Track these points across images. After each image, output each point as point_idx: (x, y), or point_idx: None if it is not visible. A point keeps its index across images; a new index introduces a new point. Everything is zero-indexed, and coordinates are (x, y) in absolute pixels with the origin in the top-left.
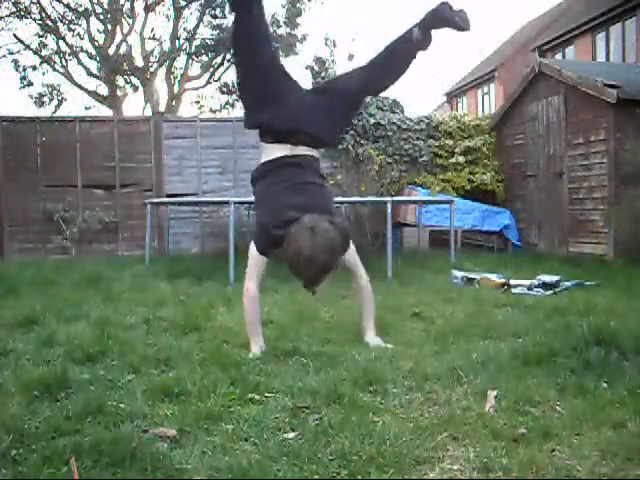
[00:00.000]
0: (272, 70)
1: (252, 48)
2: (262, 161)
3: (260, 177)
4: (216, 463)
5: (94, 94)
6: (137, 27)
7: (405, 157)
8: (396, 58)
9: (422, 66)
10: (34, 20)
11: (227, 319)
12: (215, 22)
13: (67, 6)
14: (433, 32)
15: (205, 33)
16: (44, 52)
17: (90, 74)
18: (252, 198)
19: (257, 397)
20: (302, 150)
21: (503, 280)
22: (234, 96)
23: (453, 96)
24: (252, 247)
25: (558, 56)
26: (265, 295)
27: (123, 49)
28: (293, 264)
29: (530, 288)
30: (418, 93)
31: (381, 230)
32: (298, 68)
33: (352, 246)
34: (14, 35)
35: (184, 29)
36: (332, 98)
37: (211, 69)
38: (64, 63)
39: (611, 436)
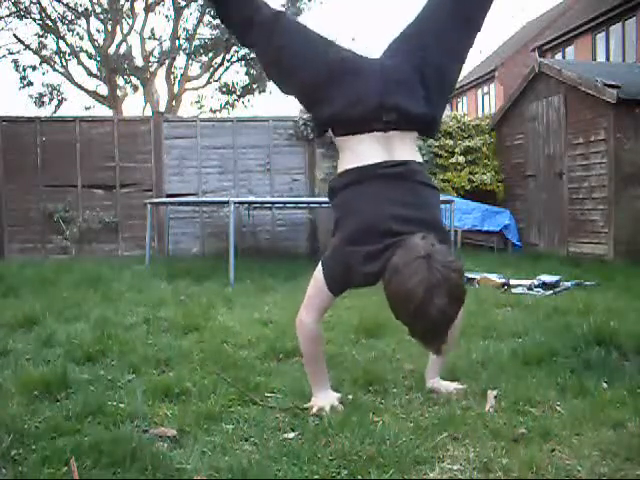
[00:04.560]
0: (311, 45)
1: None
2: (345, 168)
3: (342, 188)
4: (216, 463)
5: (94, 94)
6: (137, 27)
7: None
8: None
9: None
10: (34, 20)
11: (227, 319)
12: (215, 22)
13: (67, 6)
14: None
15: (205, 33)
16: (44, 52)
17: (90, 74)
18: (252, 198)
19: (256, 398)
20: (400, 148)
21: (503, 280)
22: (234, 96)
23: (453, 96)
24: (320, 275)
25: (558, 56)
26: (265, 295)
27: (123, 49)
28: (399, 310)
29: (530, 288)
30: None
31: None
32: None
33: None
34: (14, 35)
35: (184, 29)
36: (420, 48)
37: (211, 69)
38: (64, 63)
39: (611, 436)
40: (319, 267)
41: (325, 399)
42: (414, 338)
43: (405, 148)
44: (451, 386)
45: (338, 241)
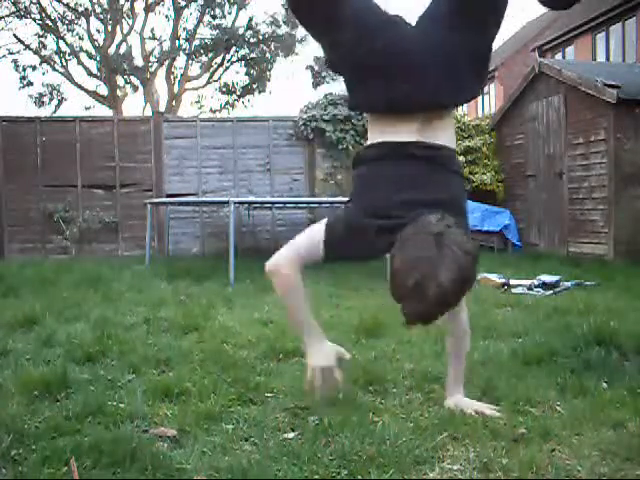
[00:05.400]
0: (360, 18)
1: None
2: (376, 140)
3: (367, 161)
4: (216, 463)
5: (94, 94)
6: (137, 27)
7: None
8: None
9: None
10: (34, 20)
11: (227, 319)
12: (215, 22)
13: (67, 6)
14: None
15: (205, 33)
16: (44, 52)
17: (90, 74)
18: (252, 198)
19: (255, 398)
20: (437, 128)
21: (503, 280)
22: (234, 96)
23: None
24: (320, 226)
25: (558, 56)
26: (265, 295)
27: (123, 49)
28: (398, 283)
29: (530, 288)
30: None
31: None
32: (298, 68)
33: None
34: (14, 35)
35: (184, 29)
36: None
37: (211, 69)
38: (64, 63)
39: (611, 436)
40: (319, 223)
41: (321, 354)
42: (403, 314)
43: (443, 129)
44: (482, 407)
45: (353, 208)
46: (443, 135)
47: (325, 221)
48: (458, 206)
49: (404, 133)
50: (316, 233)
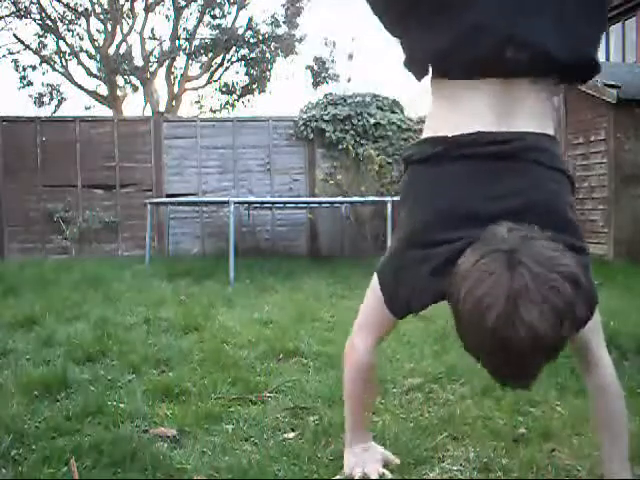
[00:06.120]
0: None
1: None
2: (434, 133)
3: (418, 163)
4: (216, 463)
5: (94, 94)
6: (137, 27)
7: None
8: None
9: None
10: (34, 20)
11: (227, 319)
12: (215, 22)
13: (67, 6)
14: None
15: (205, 33)
16: (44, 52)
17: (90, 74)
18: (252, 198)
19: (254, 398)
20: (523, 106)
21: None
22: (234, 96)
23: None
24: (377, 286)
25: None
26: (265, 295)
27: (123, 49)
28: (465, 335)
29: None
30: (418, 93)
31: (381, 230)
32: (298, 68)
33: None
34: (14, 35)
35: (184, 29)
36: None
37: (211, 69)
38: (64, 63)
39: None
40: (375, 280)
41: (361, 458)
42: (490, 372)
43: (531, 106)
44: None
45: (397, 240)
46: (529, 115)
47: (377, 272)
48: (552, 212)
49: (473, 117)
50: (377, 297)
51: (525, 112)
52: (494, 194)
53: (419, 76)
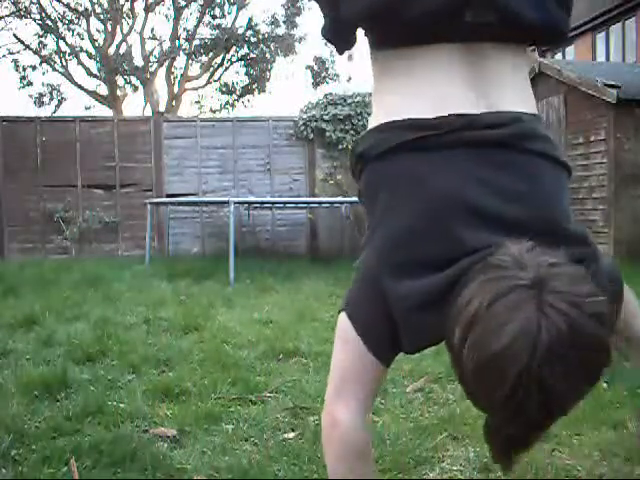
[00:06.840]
0: None
1: None
2: (389, 118)
3: (376, 159)
4: (216, 463)
5: (94, 94)
6: (137, 27)
7: None
8: None
9: None
10: (34, 20)
11: (227, 319)
12: (215, 22)
13: (67, 6)
14: None
15: (205, 33)
16: (44, 52)
17: (90, 74)
18: (252, 198)
19: (254, 398)
20: (499, 78)
21: None
22: (234, 96)
23: None
24: (347, 326)
25: (558, 56)
26: (265, 295)
27: (123, 49)
28: (484, 393)
29: None
30: None
31: None
32: (298, 68)
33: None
34: (14, 35)
35: (184, 29)
36: None
37: (211, 69)
38: (64, 63)
39: (611, 436)
40: (342, 316)
41: None
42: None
43: (509, 79)
44: None
45: (367, 261)
46: (509, 89)
47: (344, 307)
48: (562, 220)
49: (443, 94)
50: (350, 340)
51: (506, 86)
52: (501, 194)
53: (344, 45)
